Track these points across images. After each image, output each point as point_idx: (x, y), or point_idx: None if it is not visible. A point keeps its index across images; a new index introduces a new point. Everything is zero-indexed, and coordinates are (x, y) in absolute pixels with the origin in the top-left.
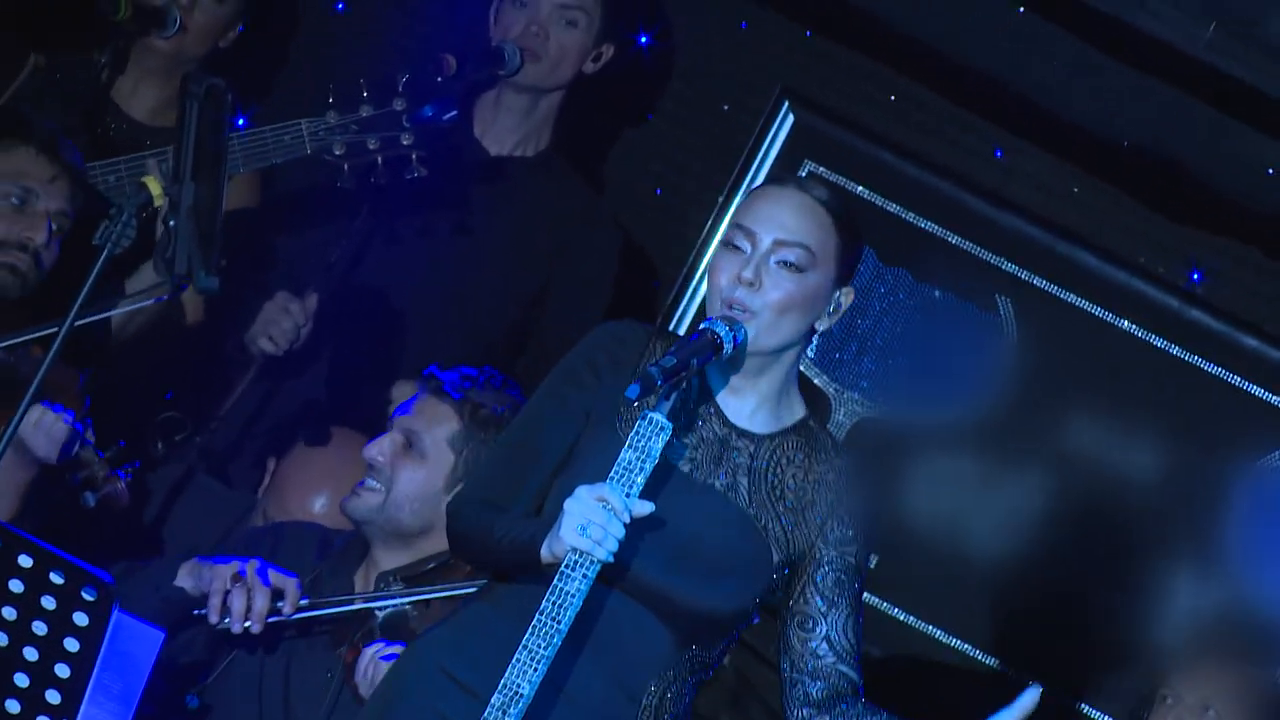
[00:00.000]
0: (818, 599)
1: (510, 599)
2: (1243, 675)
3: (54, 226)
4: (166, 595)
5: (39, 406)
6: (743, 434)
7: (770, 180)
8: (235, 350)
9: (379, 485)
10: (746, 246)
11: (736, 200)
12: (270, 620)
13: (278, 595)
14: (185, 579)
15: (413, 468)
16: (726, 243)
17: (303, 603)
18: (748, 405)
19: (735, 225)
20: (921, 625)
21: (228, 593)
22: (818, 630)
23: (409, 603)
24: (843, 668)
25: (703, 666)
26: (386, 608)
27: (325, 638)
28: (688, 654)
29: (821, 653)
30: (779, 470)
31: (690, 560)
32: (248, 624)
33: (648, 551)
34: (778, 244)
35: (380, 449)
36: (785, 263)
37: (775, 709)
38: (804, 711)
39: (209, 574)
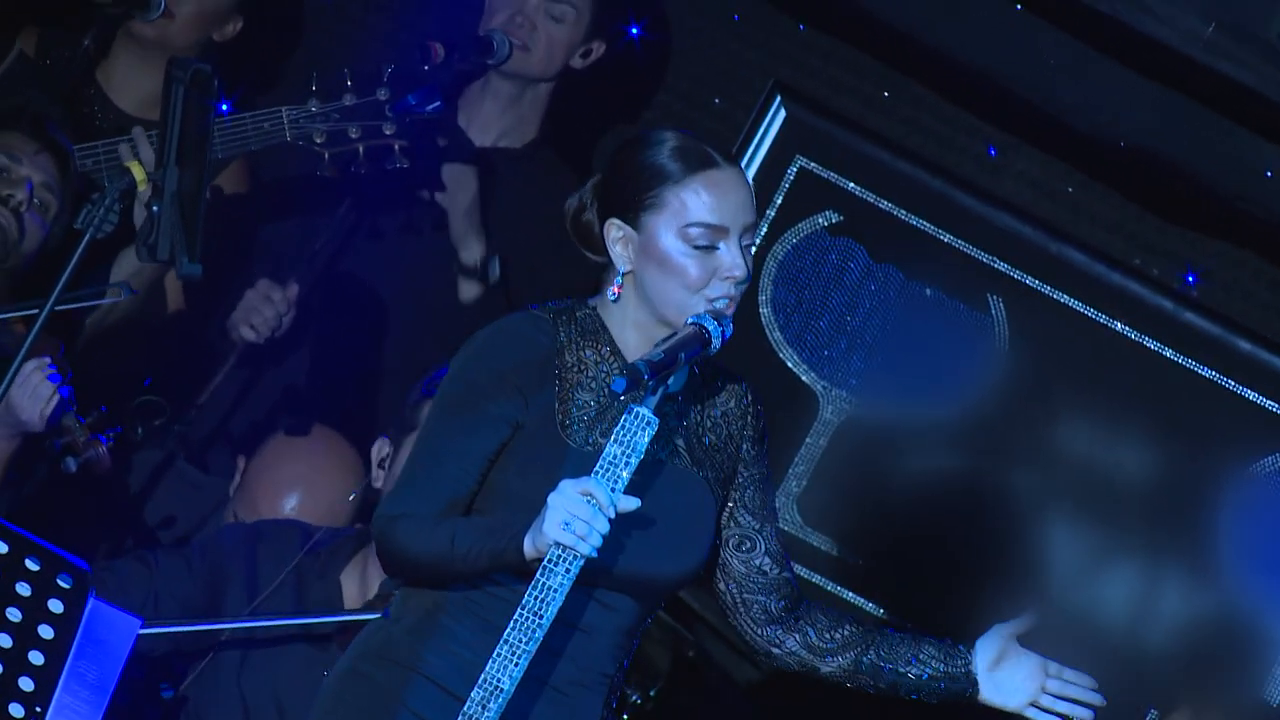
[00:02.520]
0: (749, 518)
1: (464, 606)
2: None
3: (35, 197)
4: None
5: (31, 362)
6: (669, 398)
7: (699, 164)
8: (217, 336)
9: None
10: (719, 243)
11: (666, 190)
12: None
13: None
14: None
15: None
16: (693, 245)
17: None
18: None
19: (699, 225)
20: (906, 625)
21: None
22: (758, 548)
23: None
24: (786, 574)
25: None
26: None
27: (317, 640)
28: (649, 617)
29: (767, 568)
30: (699, 418)
31: (662, 538)
32: None
33: (626, 543)
34: (744, 230)
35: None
36: (748, 245)
37: None
38: (768, 630)
39: None
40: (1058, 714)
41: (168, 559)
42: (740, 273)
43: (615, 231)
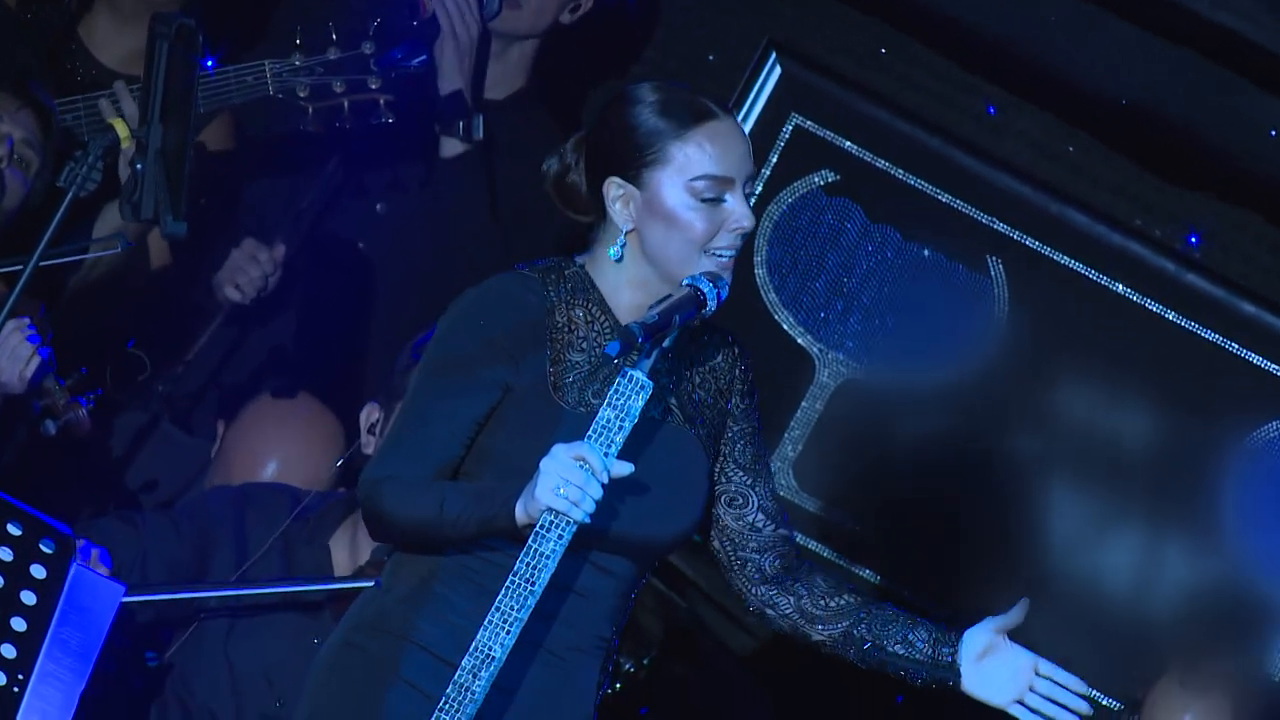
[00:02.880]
0: (740, 474)
1: (458, 572)
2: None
3: (16, 154)
4: None
5: (11, 322)
6: (664, 352)
7: (699, 116)
8: (202, 296)
9: None
10: (725, 195)
11: (669, 145)
12: None
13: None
14: None
15: None
16: (700, 198)
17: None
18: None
19: (706, 177)
20: (904, 593)
21: None
22: (750, 504)
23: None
24: (782, 531)
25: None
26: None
27: (306, 608)
28: (644, 578)
29: (760, 524)
30: (689, 374)
31: (656, 498)
32: None
33: (620, 505)
34: (748, 179)
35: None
36: (750, 194)
37: None
38: (763, 590)
39: None
40: (1045, 716)
41: (155, 520)
42: (747, 223)
43: (615, 190)
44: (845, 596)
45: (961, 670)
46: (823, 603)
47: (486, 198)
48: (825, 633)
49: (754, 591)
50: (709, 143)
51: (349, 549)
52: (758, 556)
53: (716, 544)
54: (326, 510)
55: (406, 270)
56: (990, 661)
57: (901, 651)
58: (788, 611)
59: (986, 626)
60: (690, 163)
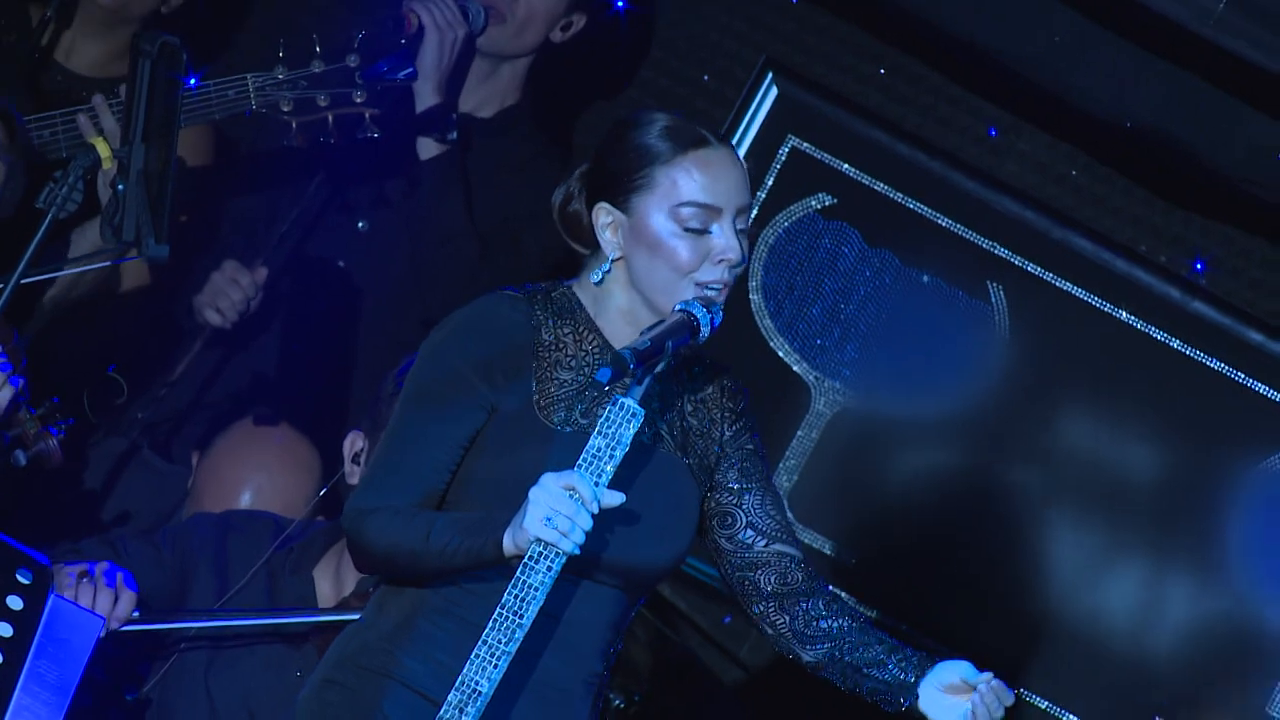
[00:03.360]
0: (726, 494)
1: (442, 607)
2: None
3: None
4: None
5: None
6: (656, 378)
7: (690, 143)
8: (184, 316)
9: None
10: (712, 225)
11: (656, 170)
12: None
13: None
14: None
15: None
16: (684, 226)
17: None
18: None
19: (691, 204)
20: (900, 627)
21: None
22: (738, 521)
23: None
24: (777, 547)
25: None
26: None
27: (290, 640)
28: (634, 607)
29: (749, 540)
30: (681, 402)
31: (646, 525)
32: None
33: (609, 532)
34: (739, 212)
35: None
36: (743, 229)
37: None
38: (760, 606)
39: (60, 575)
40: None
41: (138, 546)
42: (734, 255)
43: (604, 216)
44: (841, 620)
45: (920, 692)
46: (815, 624)
47: (468, 212)
48: (812, 654)
49: (754, 610)
50: (697, 169)
51: (333, 580)
52: (752, 574)
53: (720, 570)
54: (310, 539)
55: (391, 294)
56: (951, 697)
57: (874, 673)
58: (782, 630)
59: (960, 670)
60: (676, 188)
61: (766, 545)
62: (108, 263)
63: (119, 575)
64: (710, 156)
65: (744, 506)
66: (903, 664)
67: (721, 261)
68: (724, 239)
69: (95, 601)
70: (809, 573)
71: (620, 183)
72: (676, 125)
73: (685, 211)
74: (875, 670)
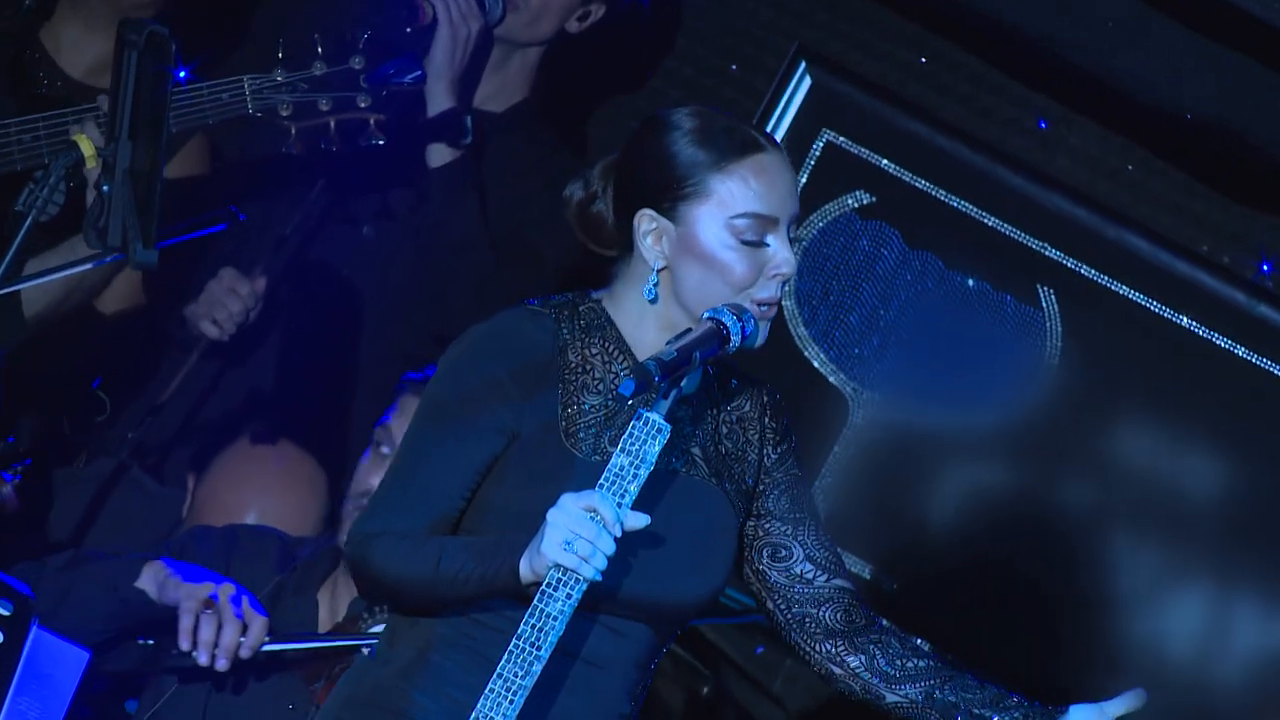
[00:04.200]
0: (778, 524)
1: (456, 640)
2: None
3: None
4: (126, 596)
5: None
6: (682, 401)
7: (745, 148)
8: (176, 329)
9: None
10: (768, 236)
11: (709, 178)
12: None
13: (242, 632)
14: (149, 581)
15: None
16: (740, 238)
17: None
18: None
19: (748, 216)
20: (946, 656)
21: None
22: (795, 554)
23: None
24: (838, 582)
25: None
26: (367, 646)
27: (288, 668)
28: (665, 646)
29: (809, 575)
30: (715, 423)
31: (676, 556)
32: (215, 657)
33: (637, 563)
34: (792, 219)
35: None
36: (794, 238)
37: None
38: (828, 646)
39: (178, 589)
40: None
41: (136, 555)
42: (789, 269)
43: (648, 224)
44: (923, 658)
45: None
46: (899, 662)
47: (482, 221)
48: (902, 693)
49: (818, 649)
50: (754, 178)
51: (330, 603)
52: (815, 610)
53: (770, 605)
54: (317, 559)
55: (396, 305)
56: None
57: (996, 717)
58: (858, 670)
59: (1096, 710)
60: (733, 199)
61: (828, 580)
62: (89, 265)
63: (245, 599)
64: (765, 162)
65: (800, 538)
66: (1033, 714)
67: (776, 276)
68: (780, 251)
69: (221, 635)
70: (866, 609)
71: (666, 189)
72: (726, 126)
73: (741, 223)
74: (998, 714)
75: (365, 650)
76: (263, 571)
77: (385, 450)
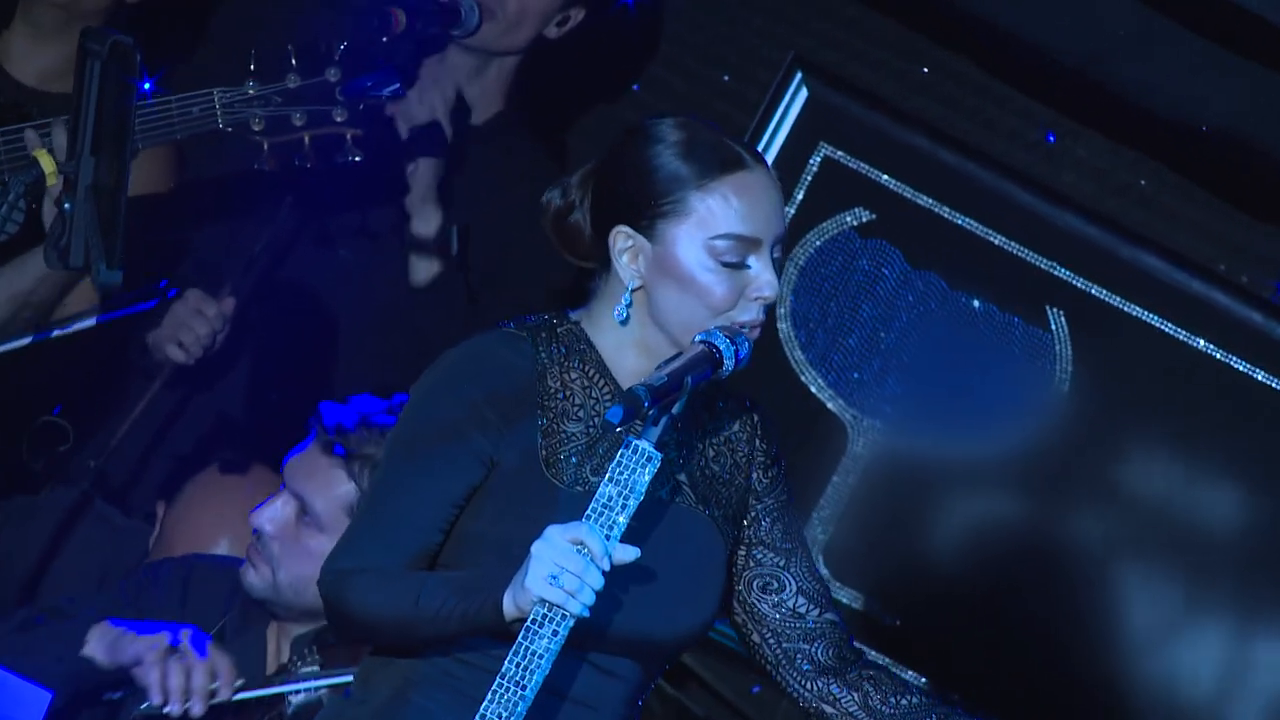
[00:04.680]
0: (770, 554)
1: (437, 679)
2: None
3: None
4: (71, 667)
5: None
6: (674, 419)
7: (728, 164)
8: (138, 356)
9: (266, 562)
10: (749, 258)
11: (689, 195)
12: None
13: (213, 674)
14: (97, 647)
15: (307, 542)
16: (720, 260)
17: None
18: None
19: (729, 237)
20: (952, 697)
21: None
22: (787, 587)
23: (327, 686)
24: (829, 616)
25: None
26: (301, 692)
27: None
28: (652, 681)
29: (802, 609)
30: (702, 446)
31: (666, 589)
32: (188, 704)
33: (624, 596)
34: (776, 240)
35: (270, 517)
36: (778, 258)
37: None
38: (819, 684)
39: (134, 644)
40: None
41: (88, 612)
42: (770, 292)
43: (623, 241)
44: (916, 696)
45: None
46: (893, 699)
47: (457, 240)
48: None
49: (809, 686)
50: (736, 196)
51: (276, 639)
52: (807, 646)
53: (756, 638)
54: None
55: (372, 326)
56: None
57: None
58: (852, 709)
59: None
60: (713, 218)
61: (820, 614)
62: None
63: (207, 643)
64: (749, 180)
65: (793, 570)
66: None
67: (758, 299)
68: (762, 274)
69: (191, 680)
70: (854, 642)
71: (644, 204)
72: (711, 140)
73: (722, 245)
74: None
75: (291, 699)
76: (220, 609)
77: (290, 503)
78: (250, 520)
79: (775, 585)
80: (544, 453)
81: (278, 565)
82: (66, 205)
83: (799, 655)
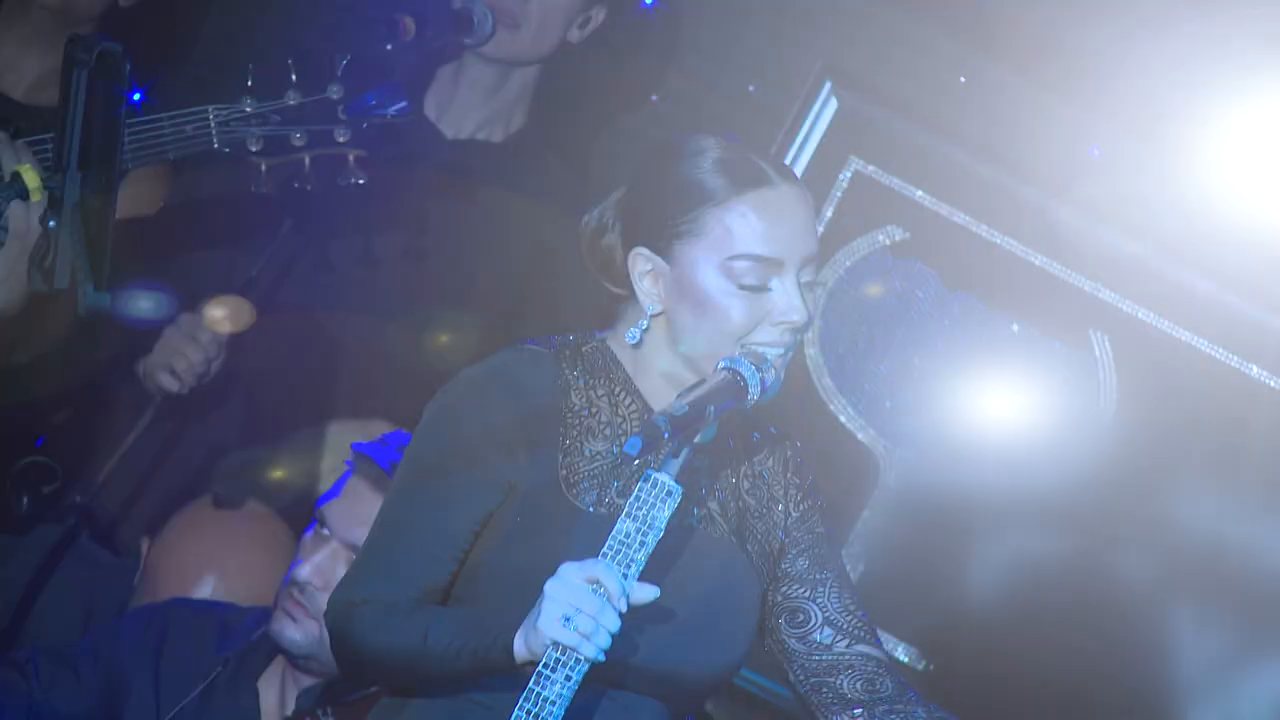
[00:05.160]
0: (797, 586)
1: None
2: None
3: None
4: None
5: None
6: (700, 450)
7: (748, 181)
8: (130, 382)
9: (314, 617)
10: (771, 280)
11: (705, 213)
12: None
13: None
14: None
15: None
16: (739, 282)
17: None
18: None
19: (747, 257)
20: None
21: None
22: (813, 618)
23: None
24: (860, 648)
25: None
26: None
27: None
28: None
29: (828, 640)
30: (737, 477)
31: (692, 624)
32: None
33: (647, 634)
34: (804, 263)
35: (317, 567)
36: (808, 282)
37: None
38: (844, 718)
39: None
40: None
41: (50, 667)
42: (798, 316)
43: (642, 264)
44: None
45: None
46: None
47: (477, 264)
48: None
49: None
50: (754, 214)
51: (279, 691)
52: (832, 679)
53: (791, 675)
54: (256, 643)
55: (377, 351)
56: None
57: None
58: None
59: None
60: (730, 237)
61: (849, 646)
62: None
63: None
64: (770, 197)
65: (819, 601)
66: None
67: (781, 323)
68: (785, 297)
69: None
70: (898, 679)
71: (662, 225)
72: (733, 156)
73: (739, 265)
74: None
75: None
76: (199, 660)
77: (326, 531)
78: (295, 574)
79: (801, 617)
80: (564, 472)
81: None
82: (51, 223)
83: (824, 689)
